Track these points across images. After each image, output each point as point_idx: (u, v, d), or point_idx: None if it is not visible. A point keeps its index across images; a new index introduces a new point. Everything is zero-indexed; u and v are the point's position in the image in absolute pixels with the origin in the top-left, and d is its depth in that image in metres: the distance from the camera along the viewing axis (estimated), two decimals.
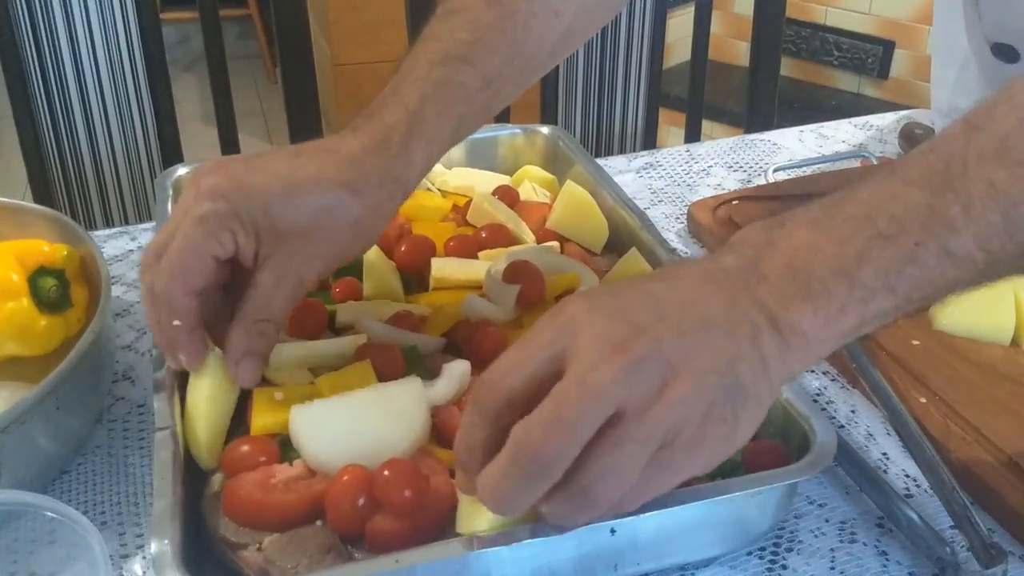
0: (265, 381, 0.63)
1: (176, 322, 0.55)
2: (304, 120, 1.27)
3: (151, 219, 1.09)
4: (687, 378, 0.43)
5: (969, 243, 0.46)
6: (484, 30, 0.63)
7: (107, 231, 0.91)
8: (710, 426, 0.44)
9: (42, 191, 1.18)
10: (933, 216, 0.46)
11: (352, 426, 0.57)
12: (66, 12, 1.13)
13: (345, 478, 0.54)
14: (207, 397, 0.59)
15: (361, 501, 0.53)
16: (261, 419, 0.59)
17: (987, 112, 0.48)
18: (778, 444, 0.58)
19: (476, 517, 0.50)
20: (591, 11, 0.72)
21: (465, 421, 0.47)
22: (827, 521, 0.61)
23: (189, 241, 0.54)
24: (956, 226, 0.46)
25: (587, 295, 0.47)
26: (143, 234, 0.91)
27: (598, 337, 0.43)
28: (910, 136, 0.99)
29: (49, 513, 0.51)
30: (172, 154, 1.23)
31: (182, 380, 0.62)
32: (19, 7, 1.11)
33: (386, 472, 0.54)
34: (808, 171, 0.99)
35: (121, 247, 0.89)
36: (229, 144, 1.27)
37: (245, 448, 0.57)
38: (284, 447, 0.58)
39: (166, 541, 0.49)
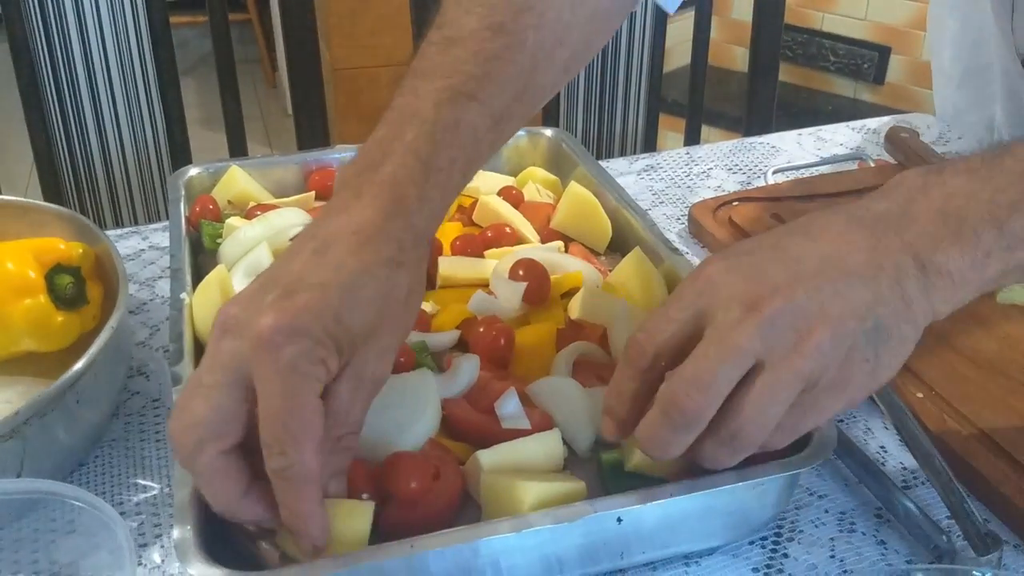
0: None
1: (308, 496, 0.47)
2: (311, 124, 1.29)
3: (160, 219, 1.10)
4: (823, 327, 0.46)
5: None
6: (492, 63, 0.57)
7: (119, 231, 0.92)
8: (852, 367, 0.48)
9: (52, 192, 1.20)
10: None
11: (367, 416, 0.58)
12: (78, 16, 1.15)
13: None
14: None
15: (364, 496, 0.54)
16: None
17: None
18: None
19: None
20: (590, 39, 0.65)
21: (616, 375, 0.51)
22: (827, 512, 0.62)
23: (296, 396, 0.47)
24: None
25: (724, 256, 0.50)
26: (154, 234, 0.92)
27: (734, 298, 0.47)
28: (895, 139, 1.00)
29: (73, 501, 0.53)
30: (181, 155, 1.25)
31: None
32: (31, 10, 1.13)
33: (393, 465, 0.55)
34: (807, 173, 1.01)
35: (133, 246, 0.90)
36: (237, 147, 1.28)
37: None
38: None
39: (188, 527, 0.50)
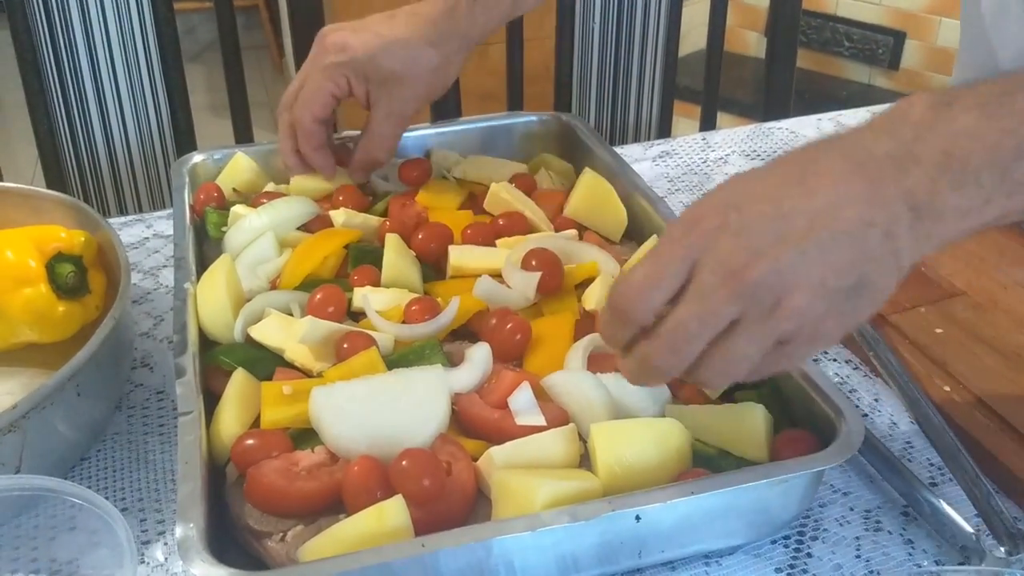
0: (286, 363, 0.63)
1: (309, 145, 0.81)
2: None
3: (165, 207, 1.09)
4: (802, 292, 0.46)
5: None
6: None
7: (123, 218, 0.91)
8: (829, 321, 0.47)
9: (55, 179, 1.18)
10: None
11: (373, 411, 0.57)
12: (80, 0, 1.13)
13: (356, 470, 0.54)
14: (236, 389, 0.58)
15: (378, 494, 0.53)
16: (270, 413, 0.58)
17: None
18: (807, 433, 0.57)
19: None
20: None
21: (608, 323, 0.51)
22: (852, 509, 0.60)
23: (317, 83, 0.78)
24: None
25: (716, 208, 0.49)
26: (158, 222, 0.90)
27: (720, 262, 0.47)
28: None
29: (72, 498, 0.51)
30: (186, 142, 1.23)
31: (204, 371, 0.62)
32: None
33: (404, 462, 0.53)
34: None
35: (137, 234, 0.88)
36: (243, 134, 1.27)
37: (254, 441, 0.56)
38: (297, 440, 0.58)
39: (191, 525, 0.48)
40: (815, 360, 0.73)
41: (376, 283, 0.71)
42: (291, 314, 0.68)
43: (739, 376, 0.49)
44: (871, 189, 0.47)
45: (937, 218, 0.47)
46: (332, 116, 0.81)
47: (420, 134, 0.90)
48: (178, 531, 0.48)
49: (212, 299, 0.66)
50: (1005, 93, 0.48)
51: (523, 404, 0.58)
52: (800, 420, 0.60)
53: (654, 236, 0.73)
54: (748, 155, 1.02)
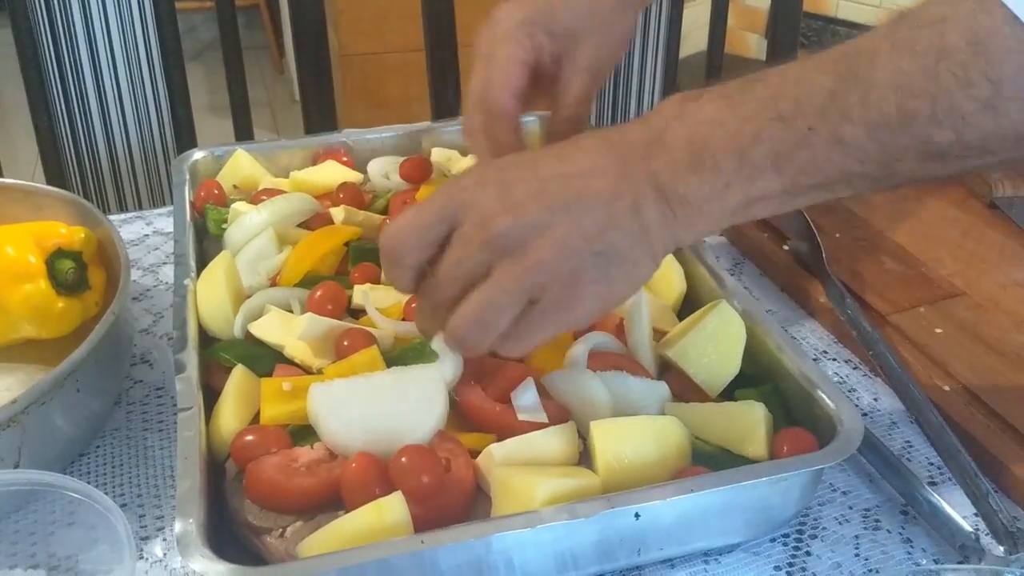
0: (286, 360, 0.63)
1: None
2: (319, 110, 1.27)
3: (165, 204, 1.09)
4: (547, 245, 0.49)
5: (861, 132, 0.47)
6: None
7: (123, 215, 0.91)
8: (581, 287, 0.50)
9: (56, 176, 1.18)
10: (832, 102, 0.47)
11: (372, 408, 0.57)
12: None
13: (355, 466, 0.54)
14: (236, 386, 0.58)
15: (377, 491, 0.53)
16: (269, 409, 0.58)
17: (921, 5, 0.48)
18: (805, 431, 0.57)
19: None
20: None
21: (384, 266, 0.55)
22: (851, 508, 0.60)
23: (503, 53, 0.64)
24: (851, 114, 0.47)
25: (483, 169, 0.54)
26: (158, 219, 0.90)
27: (477, 212, 0.51)
28: None
29: (71, 493, 0.51)
30: (186, 139, 1.23)
31: (204, 367, 0.62)
32: None
33: (403, 459, 0.53)
34: None
35: (137, 231, 0.88)
36: (243, 133, 1.27)
37: (253, 437, 0.56)
38: (296, 436, 0.58)
39: (190, 521, 0.48)
40: (814, 359, 0.73)
41: (376, 280, 0.71)
42: (291, 311, 0.68)
43: (497, 329, 0.51)
44: (621, 166, 0.50)
45: (681, 201, 0.50)
46: (526, 95, 0.66)
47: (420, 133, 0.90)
48: (177, 527, 0.48)
49: (212, 296, 0.66)
50: (747, 82, 0.50)
51: (527, 401, 0.58)
52: (800, 419, 0.60)
53: None
54: None
